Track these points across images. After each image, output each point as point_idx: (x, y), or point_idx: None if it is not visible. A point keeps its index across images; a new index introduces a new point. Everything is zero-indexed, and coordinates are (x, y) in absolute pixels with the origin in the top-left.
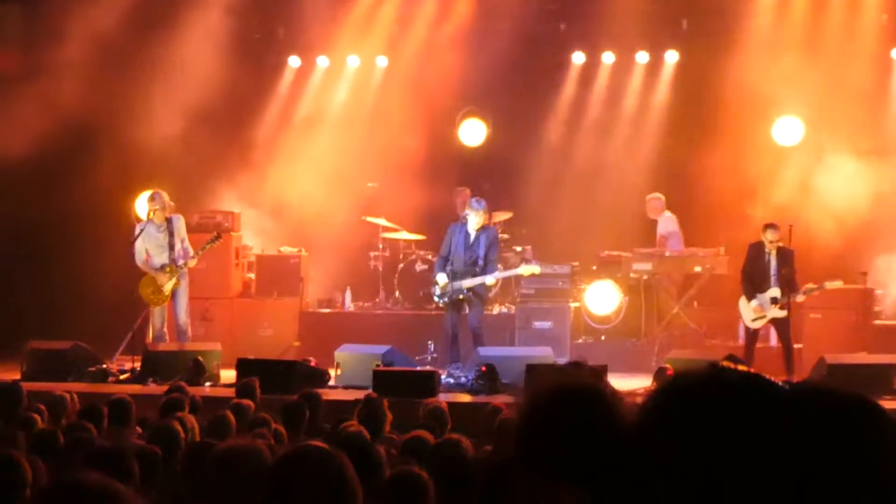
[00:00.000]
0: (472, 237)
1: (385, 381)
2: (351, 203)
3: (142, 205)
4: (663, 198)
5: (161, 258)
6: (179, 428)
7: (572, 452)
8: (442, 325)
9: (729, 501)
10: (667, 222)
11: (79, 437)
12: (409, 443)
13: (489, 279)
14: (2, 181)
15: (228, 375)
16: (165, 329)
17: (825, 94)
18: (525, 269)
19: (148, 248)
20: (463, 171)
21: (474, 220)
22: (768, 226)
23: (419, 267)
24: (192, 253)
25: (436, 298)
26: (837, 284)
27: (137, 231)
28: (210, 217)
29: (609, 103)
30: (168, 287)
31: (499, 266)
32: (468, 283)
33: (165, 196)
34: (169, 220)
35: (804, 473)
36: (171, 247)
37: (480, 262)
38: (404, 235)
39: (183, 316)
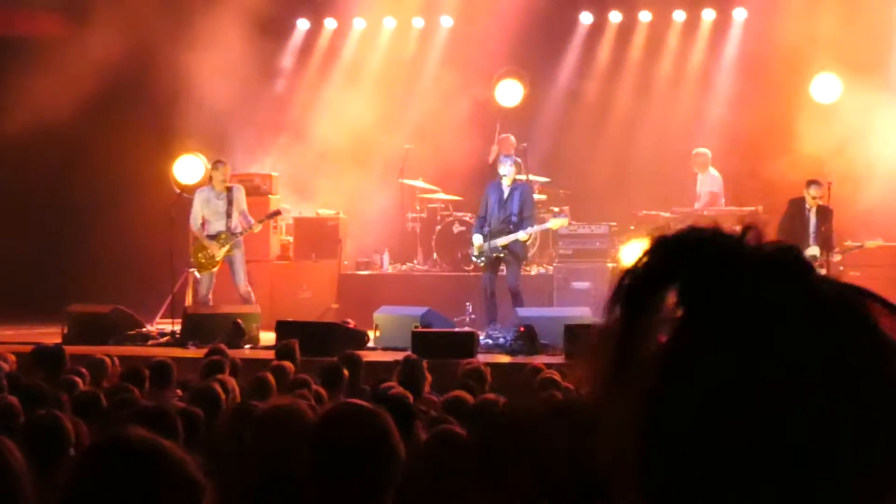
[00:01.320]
0: (507, 193)
1: (424, 342)
2: (388, 165)
3: (181, 168)
4: (709, 153)
5: (217, 225)
6: (220, 390)
7: None
8: (479, 285)
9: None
10: (707, 181)
11: (122, 398)
12: (449, 403)
13: (521, 235)
14: (44, 144)
15: (268, 338)
16: (210, 296)
17: (864, 50)
18: (554, 223)
19: (205, 214)
20: (500, 132)
21: (508, 176)
22: (811, 182)
23: (457, 228)
24: (252, 222)
25: (473, 258)
26: (878, 243)
27: (196, 196)
28: (248, 180)
29: (646, 62)
30: (219, 255)
31: (533, 223)
32: (502, 241)
33: (228, 166)
34: (230, 189)
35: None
36: (229, 215)
37: (514, 219)
38: (441, 196)
39: (243, 285)
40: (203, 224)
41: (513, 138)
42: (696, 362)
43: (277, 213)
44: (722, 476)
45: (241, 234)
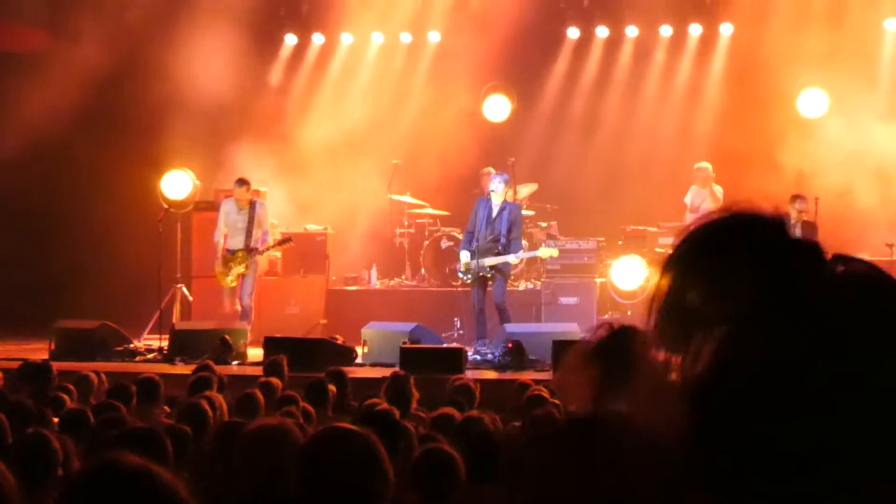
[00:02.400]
0: (496, 212)
1: (412, 358)
2: (376, 180)
3: (168, 184)
4: (710, 168)
5: (236, 241)
6: (208, 407)
7: None
8: (468, 301)
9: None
10: (708, 196)
11: (109, 416)
12: (437, 420)
13: (513, 259)
14: (31, 159)
15: (256, 354)
16: (234, 309)
17: (850, 65)
18: (544, 252)
19: (228, 228)
20: (487, 147)
21: (497, 194)
22: (796, 196)
23: (445, 243)
24: (270, 242)
25: (460, 275)
26: (863, 257)
27: (221, 207)
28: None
29: (633, 77)
30: (235, 272)
31: (524, 242)
32: (490, 261)
33: (249, 183)
34: (252, 206)
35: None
36: (249, 232)
37: (502, 240)
38: (429, 211)
39: (246, 298)
40: (225, 237)
41: (492, 170)
42: (756, 356)
43: (288, 240)
44: (786, 464)
45: (261, 252)
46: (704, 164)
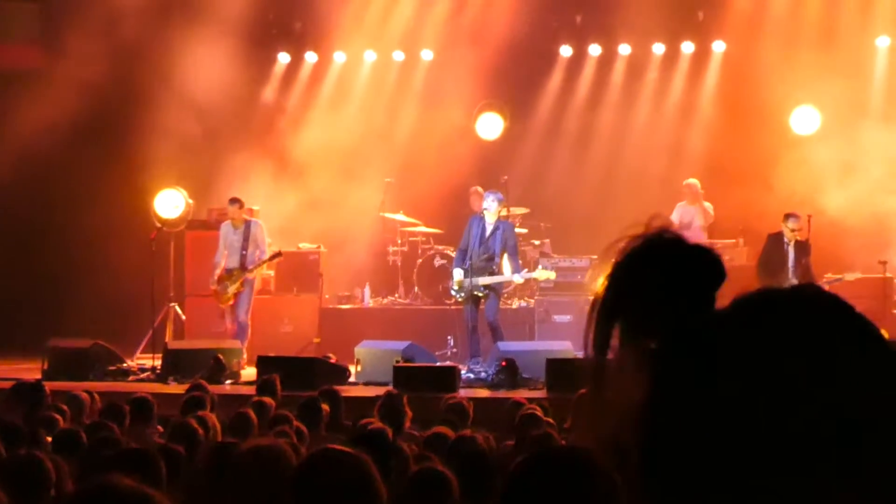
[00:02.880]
0: (489, 231)
1: (405, 376)
2: (369, 199)
3: (161, 203)
4: (698, 184)
5: (232, 261)
6: (201, 426)
7: None
8: (461, 320)
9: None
10: (697, 213)
11: (102, 436)
12: (431, 439)
13: (517, 279)
14: (22, 177)
15: (249, 373)
16: (232, 327)
17: (842, 82)
18: (541, 275)
19: (226, 247)
20: (480, 165)
21: (491, 212)
22: (789, 215)
23: (438, 262)
24: (265, 258)
25: (452, 293)
26: (857, 275)
27: (220, 230)
28: (223, 213)
29: (626, 95)
30: (231, 290)
31: (519, 261)
32: (483, 281)
33: (242, 202)
34: (247, 225)
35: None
36: (244, 251)
37: (496, 259)
38: (422, 229)
39: (242, 315)
40: (224, 257)
41: (482, 190)
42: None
43: (278, 254)
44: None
45: (251, 270)
46: (693, 180)
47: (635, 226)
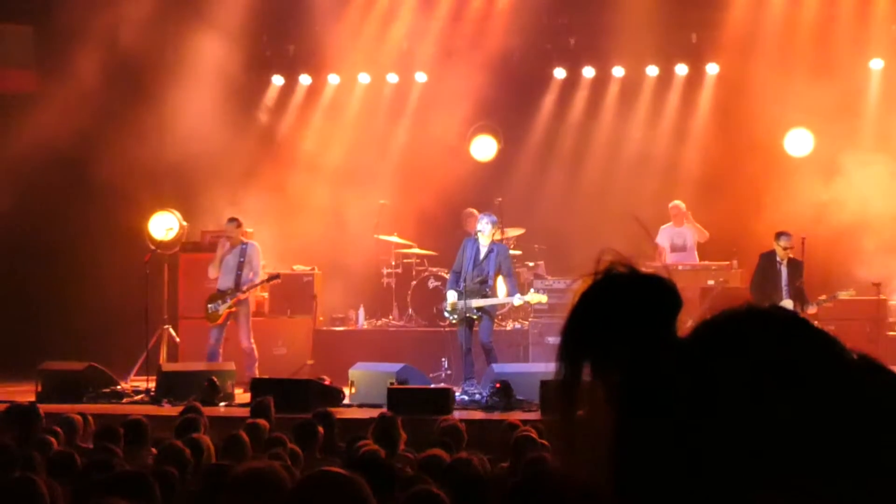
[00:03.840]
0: (483, 253)
1: (400, 398)
2: (363, 220)
3: (155, 225)
4: (683, 205)
5: (226, 281)
6: (195, 449)
7: None
8: (455, 342)
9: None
10: (688, 234)
11: (96, 458)
12: (425, 461)
13: (515, 301)
14: (15, 201)
15: (243, 395)
16: (220, 349)
17: (835, 105)
18: (533, 297)
19: (221, 265)
20: (475, 187)
21: (485, 235)
22: (781, 233)
23: (432, 283)
24: (258, 281)
25: (446, 314)
26: (850, 294)
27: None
28: (221, 236)
29: (619, 117)
30: (222, 309)
31: (515, 283)
32: (477, 303)
33: (240, 222)
34: (243, 247)
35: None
36: (239, 271)
37: (490, 282)
38: (417, 251)
39: (245, 341)
40: (218, 276)
41: (476, 211)
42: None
43: (276, 276)
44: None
45: (243, 290)
46: (678, 202)
47: (587, 265)
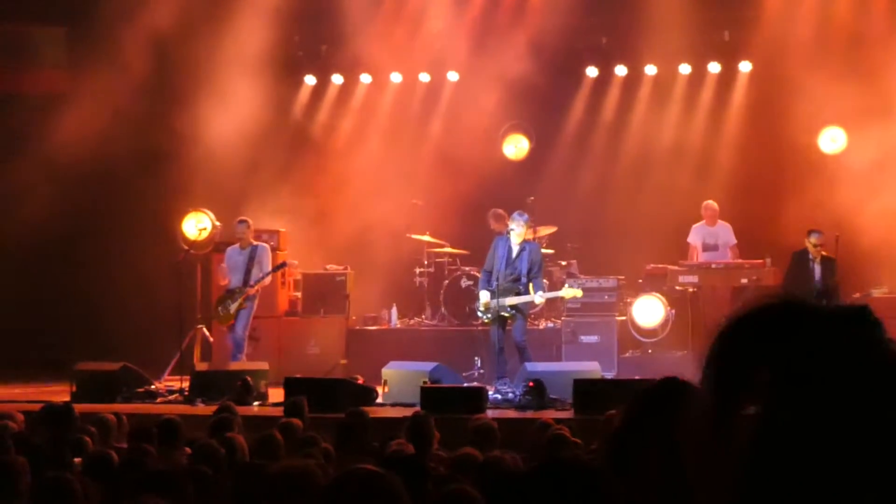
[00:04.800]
0: (515, 252)
1: (433, 397)
2: (395, 220)
3: (189, 225)
4: (714, 205)
5: (235, 281)
6: (229, 448)
7: None
8: (488, 341)
9: None
10: (722, 232)
11: (132, 458)
12: (458, 460)
13: (538, 299)
14: (49, 201)
15: (276, 394)
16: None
17: (868, 103)
18: (567, 293)
19: (228, 267)
20: (507, 186)
21: (517, 233)
22: (812, 231)
23: (464, 282)
24: (264, 280)
25: (479, 314)
26: (884, 292)
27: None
28: (255, 236)
29: (652, 115)
30: (233, 308)
31: (544, 282)
32: (510, 300)
33: (250, 223)
34: (253, 248)
35: None
36: (248, 272)
37: (523, 280)
38: (449, 250)
39: (239, 331)
40: (227, 278)
41: (502, 212)
42: (789, 427)
43: (283, 265)
44: None
45: (252, 286)
46: (711, 202)
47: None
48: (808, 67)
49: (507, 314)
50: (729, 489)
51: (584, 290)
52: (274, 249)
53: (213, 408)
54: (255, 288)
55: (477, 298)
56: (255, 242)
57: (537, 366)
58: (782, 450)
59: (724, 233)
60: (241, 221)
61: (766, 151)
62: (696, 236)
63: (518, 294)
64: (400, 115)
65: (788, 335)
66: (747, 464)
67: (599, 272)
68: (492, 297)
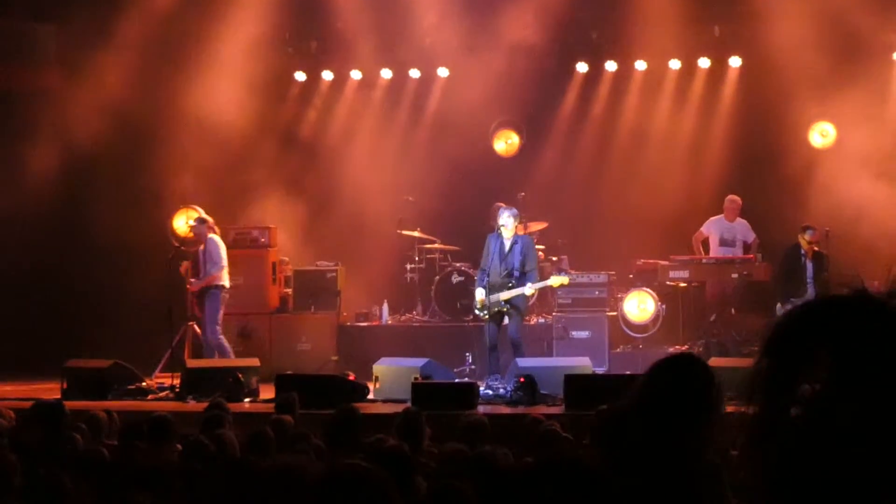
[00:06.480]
0: (507, 246)
1: (424, 393)
2: (386, 216)
3: (180, 222)
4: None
5: (197, 278)
6: (220, 445)
7: None
8: (480, 337)
9: None
10: (741, 229)
11: (123, 455)
12: (449, 456)
13: (527, 290)
14: (42, 199)
15: (268, 391)
16: (218, 344)
17: (858, 97)
18: (555, 280)
19: (196, 270)
20: (497, 182)
21: (507, 228)
22: (806, 227)
23: (455, 278)
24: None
25: (476, 311)
26: (874, 286)
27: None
28: (246, 233)
29: (642, 111)
30: (190, 308)
31: (534, 276)
32: (504, 295)
33: (205, 220)
34: (207, 243)
35: None
36: (202, 268)
37: (516, 274)
38: (440, 246)
39: (207, 333)
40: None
41: (503, 205)
42: (843, 405)
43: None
44: None
45: (190, 282)
46: (737, 197)
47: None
48: (798, 63)
49: (503, 309)
50: (775, 464)
51: (574, 285)
52: (265, 246)
53: (204, 404)
54: (195, 286)
55: (467, 294)
56: (211, 237)
57: (528, 361)
58: (832, 427)
59: (742, 229)
60: (201, 221)
61: (756, 146)
62: (712, 228)
63: (511, 288)
64: (390, 111)
65: (854, 322)
66: (799, 436)
67: (590, 267)
68: (486, 294)
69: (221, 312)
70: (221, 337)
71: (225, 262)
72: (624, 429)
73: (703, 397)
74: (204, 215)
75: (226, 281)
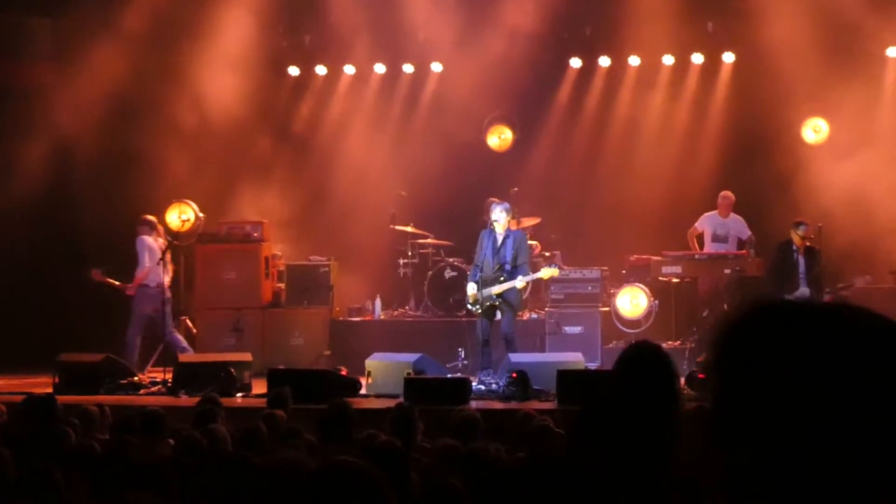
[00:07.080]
0: (500, 241)
1: (416, 389)
2: (379, 211)
3: (172, 217)
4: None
5: (158, 277)
6: (212, 439)
7: None
8: (473, 332)
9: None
10: (736, 225)
11: (115, 450)
12: (442, 451)
13: (518, 283)
14: (32, 193)
15: (260, 385)
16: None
17: (851, 93)
18: (545, 272)
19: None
20: (490, 177)
21: (500, 223)
22: (799, 222)
23: (448, 274)
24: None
25: (469, 307)
26: (867, 281)
27: None
28: (238, 227)
29: (636, 106)
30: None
31: (526, 270)
32: (496, 289)
33: (150, 222)
34: (169, 242)
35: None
36: (164, 267)
37: (507, 268)
38: (433, 241)
39: (167, 335)
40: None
41: (497, 200)
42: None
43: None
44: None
45: (133, 286)
46: (730, 193)
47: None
48: (791, 59)
49: (495, 303)
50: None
51: (567, 280)
52: (258, 240)
53: (197, 399)
54: (131, 289)
55: (460, 289)
56: (141, 237)
57: (521, 357)
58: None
59: (735, 225)
60: (145, 223)
61: (749, 142)
62: (706, 224)
63: (503, 282)
64: (384, 106)
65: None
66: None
67: (583, 263)
68: (478, 289)
69: (143, 312)
70: (174, 333)
71: (148, 261)
72: (602, 427)
73: (671, 387)
74: (196, 211)
75: (150, 280)
